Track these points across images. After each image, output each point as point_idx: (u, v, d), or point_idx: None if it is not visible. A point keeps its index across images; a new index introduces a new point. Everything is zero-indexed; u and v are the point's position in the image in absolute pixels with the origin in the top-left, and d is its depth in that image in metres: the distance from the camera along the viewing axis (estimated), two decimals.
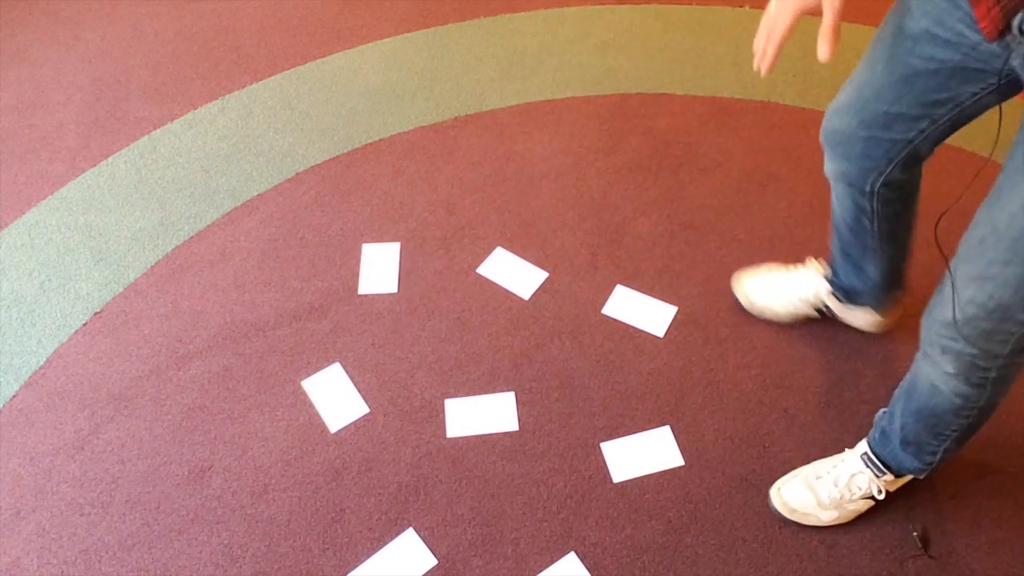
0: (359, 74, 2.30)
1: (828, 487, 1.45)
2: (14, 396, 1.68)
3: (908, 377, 1.32)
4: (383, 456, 1.58)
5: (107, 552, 1.48)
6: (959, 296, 1.11)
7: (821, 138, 1.39)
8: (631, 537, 1.47)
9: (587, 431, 1.59)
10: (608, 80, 2.23)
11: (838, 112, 1.33)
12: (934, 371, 1.22)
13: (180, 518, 1.51)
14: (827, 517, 1.45)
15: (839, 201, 1.47)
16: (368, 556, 1.46)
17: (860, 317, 1.68)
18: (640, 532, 1.47)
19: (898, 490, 1.48)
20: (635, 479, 1.53)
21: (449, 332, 1.75)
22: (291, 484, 1.55)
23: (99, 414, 1.65)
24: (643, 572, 1.43)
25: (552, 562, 1.44)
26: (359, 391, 1.67)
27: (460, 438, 1.60)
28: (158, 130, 2.18)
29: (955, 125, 1.24)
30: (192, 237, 1.94)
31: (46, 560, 1.47)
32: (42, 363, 1.73)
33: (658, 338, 1.73)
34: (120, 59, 2.38)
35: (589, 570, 1.43)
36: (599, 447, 1.57)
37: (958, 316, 1.11)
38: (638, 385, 1.66)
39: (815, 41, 1.45)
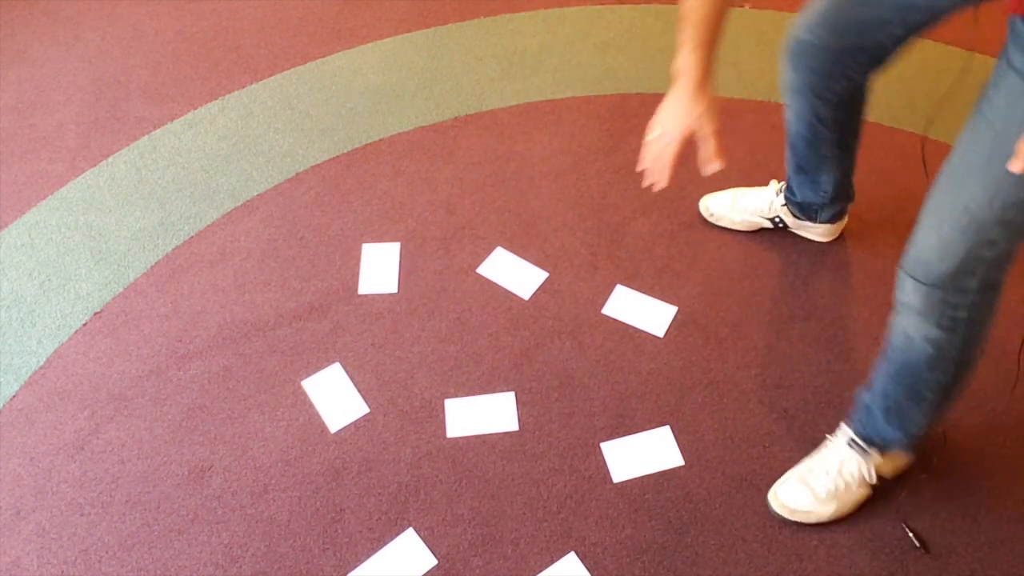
0: (359, 74, 2.30)
1: (821, 479, 1.45)
2: (14, 396, 1.68)
3: (885, 344, 1.34)
4: (383, 456, 1.58)
5: (107, 552, 1.48)
6: (934, 219, 1.13)
7: (785, 54, 1.45)
8: (631, 537, 1.47)
9: (587, 431, 1.60)
10: (608, 80, 2.23)
11: (809, 26, 1.40)
12: (906, 319, 1.22)
13: (180, 518, 1.51)
14: (827, 512, 1.45)
15: (797, 115, 1.56)
16: (368, 556, 1.46)
17: (812, 229, 1.83)
18: (640, 532, 1.47)
19: (897, 489, 1.48)
20: (635, 479, 1.53)
21: (449, 332, 1.75)
22: (291, 484, 1.55)
23: (99, 414, 1.65)
24: (643, 572, 1.43)
25: (552, 562, 1.44)
26: (359, 391, 1.67)
27: (460, 438, 1.60)
28: (158, 130, 2.18)
29: (925, 28, 1.27)
30: (192, 237, 1.94)
31: (46, 560, 1.47)
32: (42, 363, 1.73)
33: (658, 338, 1.73)
34: (120, 59, 2.38)
35: (589, 570, 1.43)
36: (599, 447, 1.57)
37: (934, 241, 1.13)
38: (638, 385, 1.66)
39: None
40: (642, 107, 2.16)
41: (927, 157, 1.45)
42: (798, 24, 1.42)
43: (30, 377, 1.71)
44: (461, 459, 1.57)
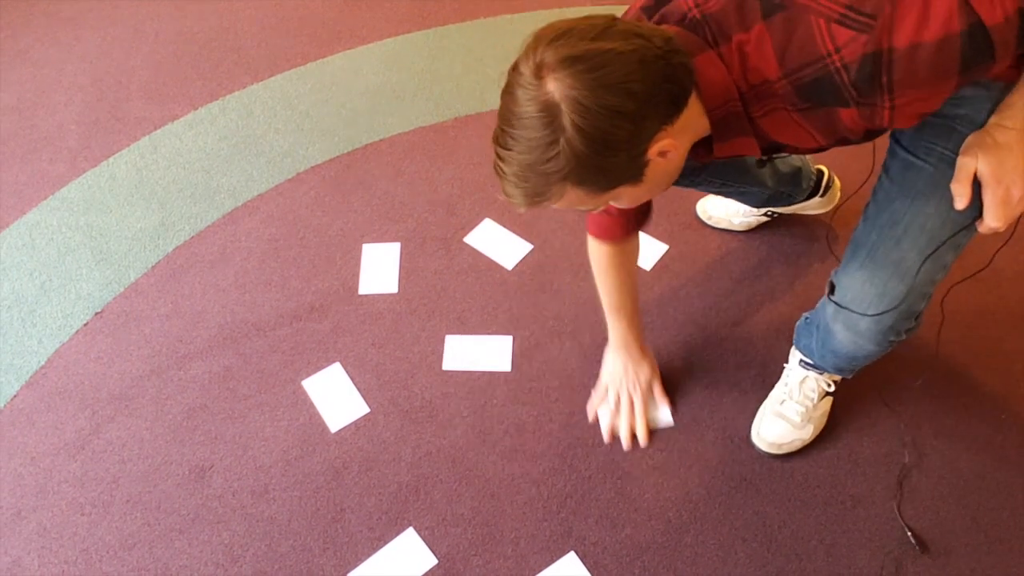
0: (359, 74, 2.30)
1: (792, 406, 1.53)
2: (15, 396, 1.69)
3: (819, 321, 1.37)
4: (383, 456, 1.58)
5: (108, 551, 1.48)
6: (882, 267, 1.17)
7: None
8: (631, 537, 1.47)
9: (587, 431, 1.60)
10: None
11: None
12: (848, 333, 1.26)
13: (181, 518, 1.51)
14: (808, 434, 1.54)
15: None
16: (368, 556, 1.46)
17: (806, 207, 1.82)
18: (640, 532, 1.47)
19: (897, 489, 1.49)
20: (635, 478, 1.53)
21: (450, 332, 1.75)
22: (291, 484, 1.55)
23: (100, 414, 1.65)
24: (643, 572, 1.43)
25: (552, 562, 1.44)
26: (359, 391, 1.67)
27: (459, 438, 1.60)
28: (159, 130, 2.18)
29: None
30: (193, 237, 1.94)
31: (47, 560, 1.47)
32: (43, 363, 1.73)
33: (659, 338, 1.73)
34: (121, 60, 2.39)
35: (589, 570, 1.43)
36: (599, 447, 1.58)
37: (899, 289, 1.16)
38: None
39: None
40: None
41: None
42: None
43: (31, 377, 1.71)
44: (461, 459, 1.57)
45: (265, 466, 1.57)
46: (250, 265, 1.88)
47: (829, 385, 1.54)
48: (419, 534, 1.48)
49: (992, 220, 1.06)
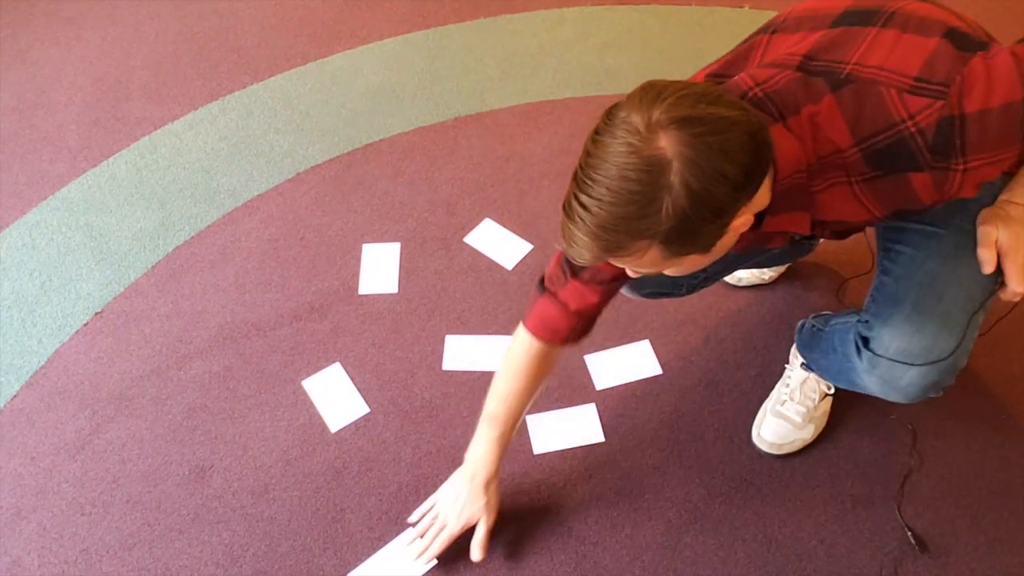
0: (359, 74, 2.31)
1: (792, 407, 1.53)
2: (15, 396, 1.69)
3: (840, 366, 1.36)
4: (383, 456, 1.58)
5: (108, 552, 1.48)
6: (927, 303, 1.18)
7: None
8: (631, 537, 1.47)
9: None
10: (608, 81, 2.23)
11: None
12: (885, 387, 1.25)
13: (181, 518, 1.52)
14: (808, 434, 1.54)
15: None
16: (368, 556, 1.46)
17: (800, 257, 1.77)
18: (639, 531, 1.47)
19: (897, 489, 1.49)
20: (635, 478, 1.53)
21: (449, 332, 1.75)
22: (291, 484, 1.55)
23: (100, 414, 1.66)
24: (643, 572, 1.43)
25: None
26: (359, 391, 1.67)
27: (459, 438, 1.60)
28: (159, 130, 2.18)
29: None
30: (193, 237, 1.94)
31: (47, 560, 1.47)
32: (43, 363, 1.73)
33: (658, 338, 1.73)
34: (121, 59, 2.39)
35: (589, 570, 1.43)
36: (599, 447, 1.58)
37: (949, 353, 1.18)
38: (638, 386, 1.66)
39: None
40: None
41: None
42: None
43: (31, 377, 1.71)
44: (461, 459, 1.57)
45: (265, 466, 1.57)
46: (250, 265, 1.88)
47: (829, 387, 1.55)
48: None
49: (1016, 285, 1.13)
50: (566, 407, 1.63)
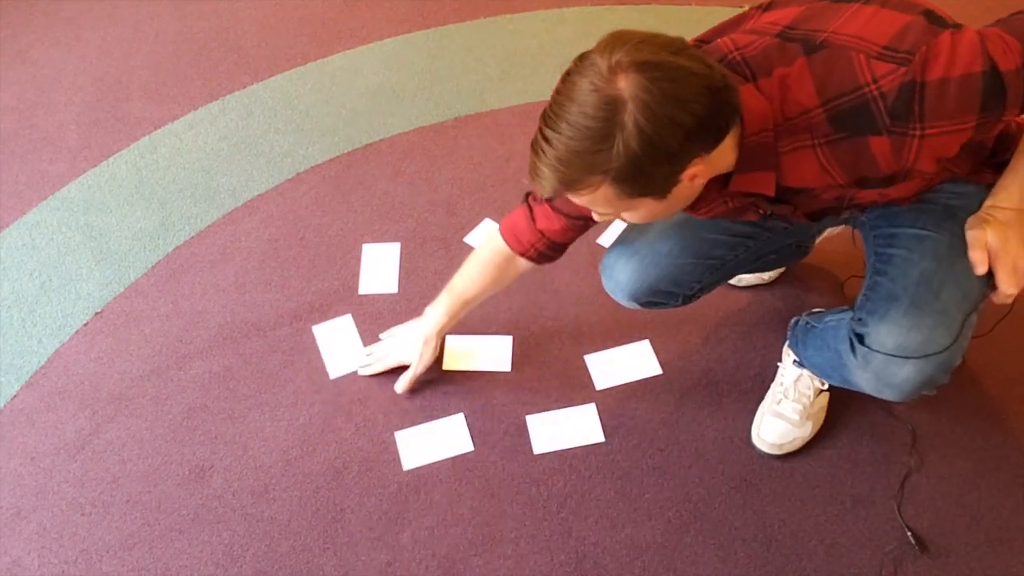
0: (359, 74, 2.31)
1: (789, 405, 1.54)
2: (15, 396, 1.69)
3: (834, 363, 1.36)
4: (383, 456, 1.58)
5: (108, 552, 1.48)
6: (921, 296, 1.20)
7: (619, 289, 1.49)
8: (631, 537, 1.47)
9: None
10: None
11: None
12: (879, 384, 1.26)
13: (181, 518, 1.52)
14: (807, 432, 1.54)
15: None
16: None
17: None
18: (640, 532, 1.47)
19: (897, 489, 1.49)
20: (635, 478, 1.54)
21: (449, 332, 1.75)
22: (291, 484, 1.55)
23: (100, 414, 1.65)
24: (643, 572, 1.43)
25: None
26: None
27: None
28: (159, 130, 2.18)
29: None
30: (193, 237, 1.94)
31: (47, 560, 1.47)
32: (43, 363, 1.73)
33: (657, 338, 1.73)
34: (121, 59, 2.39)
35: (588, 570, 1.43)
36: (599, 447, 1.58)
37: (948, 342, 1.19)
38: (638, 386, 1.66)
39: None
40: None
41: None
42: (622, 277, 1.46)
43: (31, 377, 1.71)
44: (461, 459, 1.57)
45: (265, 466, 1.57)
46: (250, 265, 1.88)
47: (823, 383, 1.55)
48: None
49: (1006, 288, 1.16)
50: (566, 407, 1.63)
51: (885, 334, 1.20)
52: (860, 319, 1.24)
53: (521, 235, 1.43)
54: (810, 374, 1.53)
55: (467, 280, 1.54)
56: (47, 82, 2.33)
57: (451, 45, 2.37)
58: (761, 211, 1.24)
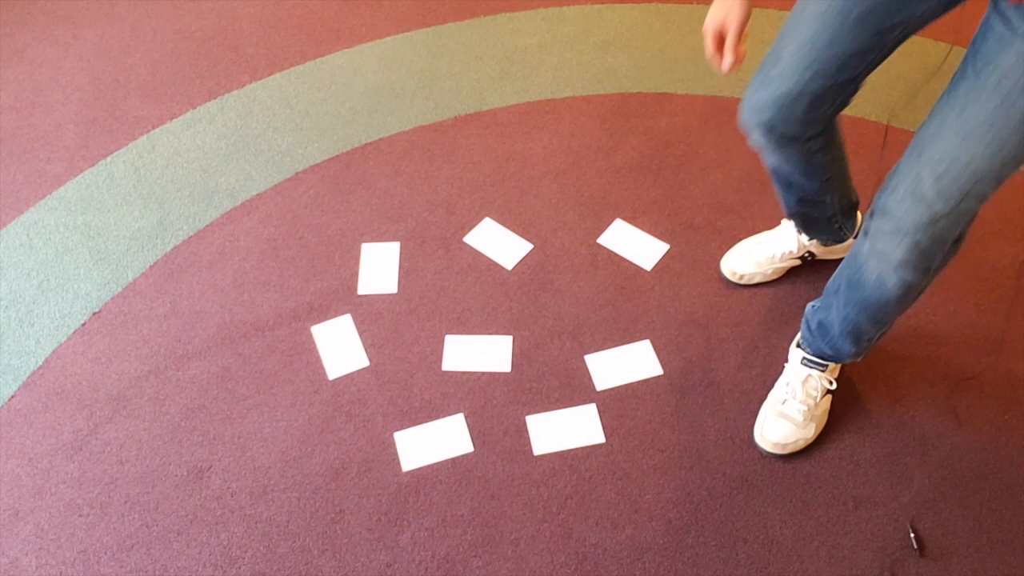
0: (359, 73, 2.30)
1: (794, 405, 1.54)
2: (12, 396, 1.68)
3: (847, 273, 1.37)
4: (382, 456, 1.57)
5: (106, 553, 1.47)
6: (928, 172, 1.15)
7: (753, 113, 1.39)
8: (631, 537, 1.46)
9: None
10: (608, 80, 2.23)
11: (782, 76, 1.35)
12: (881, 264, 1.26)
13: (179, 519, 1.51)
14: (811, 433, 1.55)
15: (787, 160, 1.49)
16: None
17: (840, 248, 1.77)
18: (640, 532, 1.47)
19: (897, 490, 1.48)
20: (636, 479, 1.53)
21: (450, 332, 1.74)
22: (290, 484, 1.54)
23: (98, 414, 1.65)
24: (643, 572, 1.42)
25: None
26: None
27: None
28: (157, 130, 2.18)
29: (897, 47, 1.31)
30: (191, 237, 1.94)
31: (44, 561, 1.47)
32: (40, 363, 1.73)
33: (659, 338, 1.72)
34: (119, 58, 2.38)
35: (589, 571, 1.43)
36: (599, 447, 1.57)
37: (930, 194, 1.15)
38: (638, 386, 1.66)
39: None
40: (642, 107, 2.16)
41: (889, 142, 1.45)
42: (766, 77, 1.37)
43: (28, 377, 1.71)
44: (461, 459, 1.57)
45: (264, 467, 1.57)
46: (249, 265, 1.88)
47: (831, 383, 1.55)
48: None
49: None
50: (566, 407, 1.63)
51: (888, 197, 1.20)
52: (872, 212, 1.25)
53: None
54: (819, 374, 1.53)
55: None
56: (45, 81, 2.32)
57: (450, 44, 2.37)
58: None
